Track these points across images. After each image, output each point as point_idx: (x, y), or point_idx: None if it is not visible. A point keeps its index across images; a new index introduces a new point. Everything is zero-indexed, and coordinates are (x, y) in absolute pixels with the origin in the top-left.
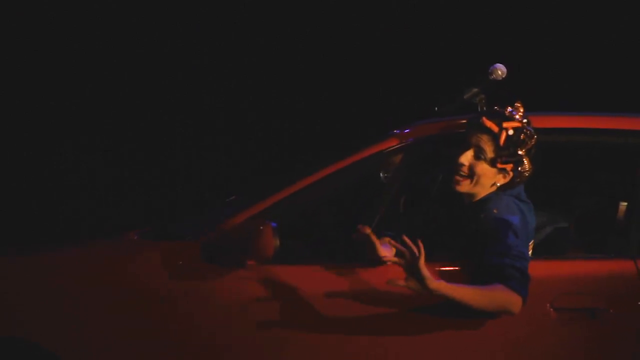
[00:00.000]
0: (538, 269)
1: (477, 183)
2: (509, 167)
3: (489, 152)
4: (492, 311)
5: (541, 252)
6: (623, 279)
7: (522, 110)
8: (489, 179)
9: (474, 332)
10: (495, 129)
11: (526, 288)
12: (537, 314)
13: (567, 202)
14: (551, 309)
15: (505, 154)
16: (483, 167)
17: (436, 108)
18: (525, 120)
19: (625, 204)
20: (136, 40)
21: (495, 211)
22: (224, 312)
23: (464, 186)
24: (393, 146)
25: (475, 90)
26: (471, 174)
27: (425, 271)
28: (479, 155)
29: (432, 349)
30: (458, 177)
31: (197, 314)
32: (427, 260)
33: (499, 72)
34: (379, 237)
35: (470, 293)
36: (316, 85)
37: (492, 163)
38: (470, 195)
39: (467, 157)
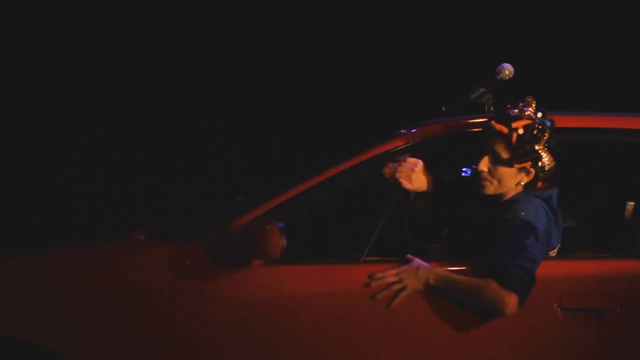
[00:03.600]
0: (545, 269)
1: (500, 185)
2: (527, 165)
3: (504, 154)
4: (479, 304)
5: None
6: (630, 278)
7: (534, 104)
8: (511, 180)
9: (481, 331)
10: (505, 130)
11: (527, 290)
12: (544, 313)
13: (574, 202)
14: (558, 309)
15: (520, 153)
16: (502, 170)
17: (443, 108)
18: (539, 114)
19: (633, 203)
20: (142, 40)
21: (522, 213)
22: (230, 312)
23: (491, 189)
24: (400, 146)
25: (482, 89)
26: (492, 179)
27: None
28: (495, 159)
29: (438, 347)
30: (482, 182)
31: (203, 314)
32: (440, 259)
33: (507, 72)
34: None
35: (459, 280)
36: (323, 85)
37: (509, 164)
38: (500, 196)
39: (485, 163)
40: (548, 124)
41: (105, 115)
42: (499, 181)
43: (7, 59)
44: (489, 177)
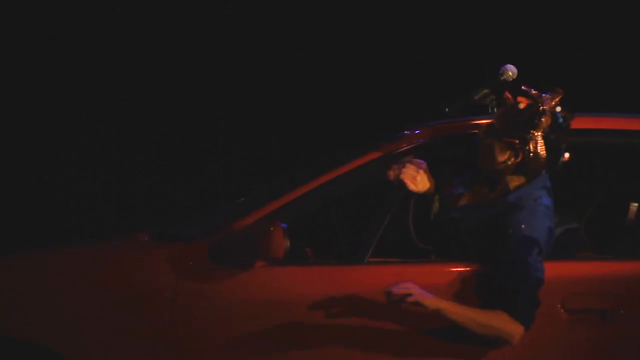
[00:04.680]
0: (549, 270)
1: (488, 157)
2: (515, 142)
3: (497, 124)
4: (487, 336)
5: (551, 253)
6: (634, 280)
7: (557, 97)
8: (498, 154)
9: None
10: (510, 101)
11: (532, 316)
12: (548, 315)
13: (577, 203)
14: (562, 310)
15: (511, 127)
16: (492, 140)
17: (446, 109)
18: (557, 108)
19: (636, 204)
20: (142, 40)
21: (523, 226)
22: (233, 313)
23: (481, 159)
24: (403, 147)
25: (485, 90)
26: (484, 147)
27: (420, 294)
28: (492, 127)
29: (440, 349)
30: (478, 151)
31: (206, 314)
32: (440, 261)
33: (510, 73)
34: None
35: (469, 314)
36: (327, 86)
37: (498, 135)
38: (499, 187)
39: (482, 129)
40: (559, 119)
41: (105, 115)
42: (489, 152)
43: (7, 58)
44: (482, 145)
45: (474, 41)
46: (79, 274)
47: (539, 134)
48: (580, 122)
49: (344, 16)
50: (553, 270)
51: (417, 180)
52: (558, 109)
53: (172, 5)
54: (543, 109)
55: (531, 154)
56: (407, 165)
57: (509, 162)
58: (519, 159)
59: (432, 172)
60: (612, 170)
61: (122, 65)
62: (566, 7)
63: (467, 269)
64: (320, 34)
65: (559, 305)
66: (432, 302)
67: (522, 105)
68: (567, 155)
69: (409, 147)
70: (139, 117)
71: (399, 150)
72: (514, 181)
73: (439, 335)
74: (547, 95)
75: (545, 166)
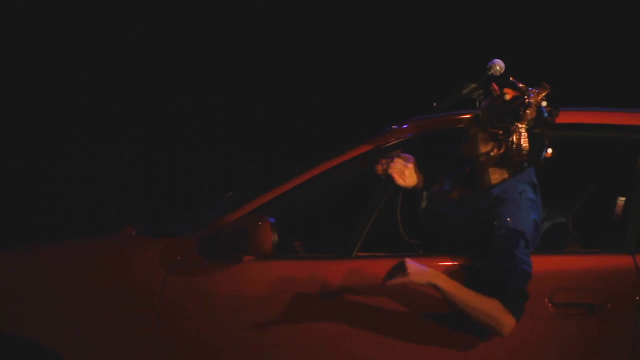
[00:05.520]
0: (536, 264)
1: (473, 147)
2: (499, 132)
3: (483, 114)
4: (479, 321)
5: (540, 247)
6: (621, 274)
7: (544, 92)
8: (481, 144)
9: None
10: (497, 92)
11: (522, 309)
12: (535, 309)
13: (565, 197)
14: (549, 304)
15: (496, 118)
16: (477, 129)
17: (434, 104)
18: (543, 103)
19: (623, 199)
20: (138, 38)
21: (508, 220)
22: (222, 308)
23: (465, 147)
24: (391, 142)
25: (473, 85)
26: (468, 135)
27: (415, 266)
28: (477, 117)
29: (430, 342)
30: (463, 140)
31: (195, 309)
32: (427, 255)
33: (497, 68)
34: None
35: (464, 295)
36: (315, 81)
37: (483, 125)
38: (483, 180)
39: (468, 119)
40: (544, 113)
41: (104, 112)
42: (471, 140)
43: (7, 59)
44: (466, 135)
45: (465, 37)
46: (68, 270)
47: (523, 126)
48: (568, 117)
49: (343, 13)
50: (541, 264)
51: (405, 174)
52: (544, 103)
53: (172, 5)
54: (529, 101)
55: (514, 146)
56: (396, 159)
57: (492, 154)
58: (502, 151)
59: (420, 167)
60: (599, 165)
61: (122, 65)
62: (557, 5)
63: (455, 263)
64: (318, 31)
65: (546, 299)
66: (424, 278)
67: (508, 97)
68: (550, 150)
69: (397, 141)
70: (138, 114)
71: (387, 145)
72: (497, 175)
73: (430, 326)
74: (534, 89)
75: (528, 160)
